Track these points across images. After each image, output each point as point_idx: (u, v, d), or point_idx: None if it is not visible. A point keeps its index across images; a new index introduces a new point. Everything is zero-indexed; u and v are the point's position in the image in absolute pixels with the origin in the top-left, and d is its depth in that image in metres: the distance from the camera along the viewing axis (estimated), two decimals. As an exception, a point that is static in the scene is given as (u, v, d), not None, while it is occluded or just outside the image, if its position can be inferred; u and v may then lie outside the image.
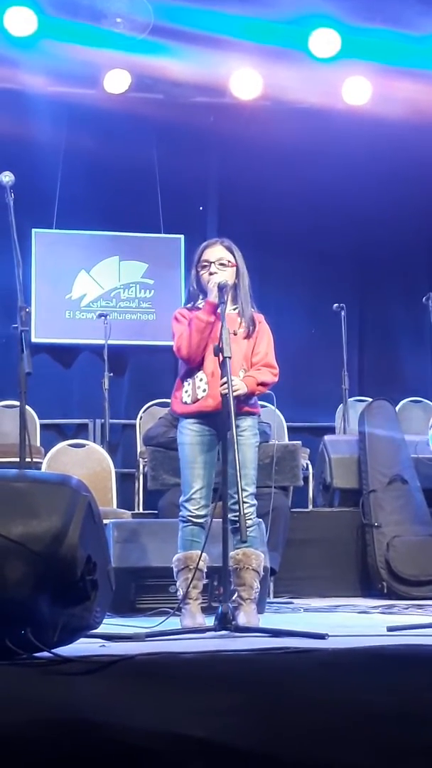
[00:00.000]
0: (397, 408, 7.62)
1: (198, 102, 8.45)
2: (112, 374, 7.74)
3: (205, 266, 4.53)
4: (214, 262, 4.51)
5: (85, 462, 6.96)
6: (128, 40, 7.57)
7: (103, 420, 7.72)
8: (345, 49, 7.81)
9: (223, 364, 4.17)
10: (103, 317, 7.94)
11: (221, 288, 4.39)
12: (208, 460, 4.50)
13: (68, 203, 8.49)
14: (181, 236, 8.80)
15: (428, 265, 9.16)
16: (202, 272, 4.54)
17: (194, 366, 4.52)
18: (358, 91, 8.21)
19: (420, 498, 6.93)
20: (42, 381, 8.11)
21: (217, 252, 4.55)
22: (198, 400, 4.48)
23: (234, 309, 4.55)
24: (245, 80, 8.13)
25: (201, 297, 4.56)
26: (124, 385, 8.58)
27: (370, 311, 9.16)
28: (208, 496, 4.49)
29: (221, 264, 4.51)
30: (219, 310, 4.36)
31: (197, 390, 4.49)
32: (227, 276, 4.50)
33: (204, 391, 4.47)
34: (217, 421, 4.38)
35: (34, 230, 8.53)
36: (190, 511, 4.46)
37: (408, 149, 8.36)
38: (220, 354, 4.17)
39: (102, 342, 7.81)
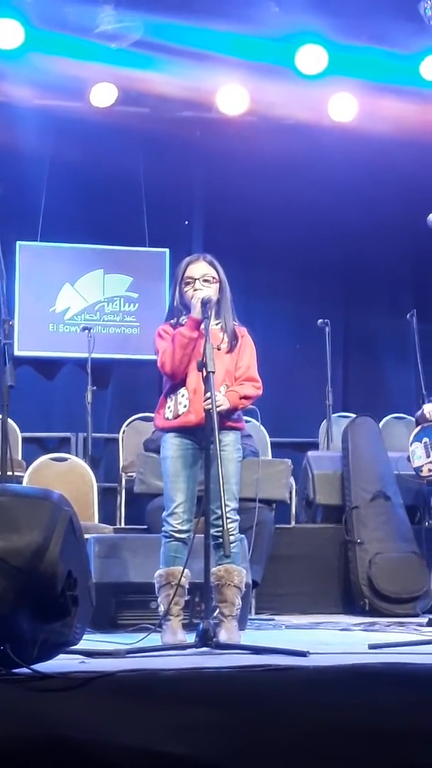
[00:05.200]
0: (380, 424, 7.62)
1: (184, 116, 8.46)
2: (95, 388, 7.72)
3: (188, 283, 4.53)
4: (198, 279, 4.51)
5: (67, 476, 6.92)
6: (115, 53, 7.58)
7: (85, 434, 7.69)
8: (332, 66, 7.83)
9: (206, 379, 4.16)
10: (86, 330, 7.92)
11: (205, 303, 4.39)
12: (190, 474, 4.49)
13: (53, 216, 8.48)
14: (167, 250, 8.80)
15: (413, 282, 9.18)
16: (186, 289, 4.54)
17: (177, 382, 4.51)
18: (344, 107, 8.24)
19: (402, 515, 6.93)
20: (24, 394, 8.06)
21: (200, 268, 4.54)
22: (179, 415, 4.47)
23: (217, 324, 4.55)
24: (232, 96, 8.15)
25: (184, 313, 4.55)
26: (107, 399, 8.55)
27: (355, 327, 9.17)
28: (190, 510, 4.47)
29: (205, 280, 4.51)
30: (203, 326, 4.35)
31: (179, 406, 4.48)
32: (212, 292, 4.49)
33: (185, 407, 4.46)
34: (199, 436, 4.37)
35: (18, 242, 8.51)
36: (172, 526, 4.44)
37: (393, 166, 8.39)
38: (204, 369, 4.16)
39: (85, 355, 7.79)
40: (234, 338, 4.56)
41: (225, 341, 4.54)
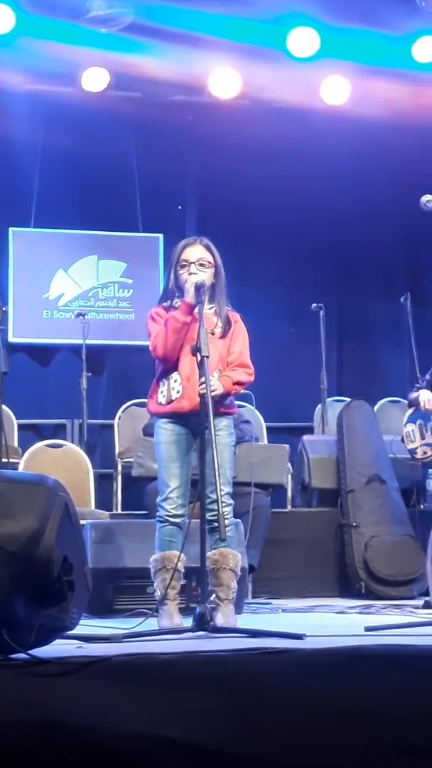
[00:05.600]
0: (375, 408, 7.63)
1: (177, 101, 8.43)
2: (90, 374, 7.70)
3: (184, 265, 4.52)
4: (194, 262, 4.50)
5: (62, 462, 6.92)
6: (107, 37, 7.54)
7: (81, 420, 7.69)
8: (324, 48, 7.80)
9: (201, 364, 4.16)
10: (81, 317, 7.90)
11: (198, 288, 4.38)
12: (184, 459, 4.49)
13: (46, 202, 8.45)
14: (160, 235, 8.78)
15: (406, 265, 9.17)
16: (181, 271, 4.53)
17: (170, 366, 4.50)
18: (336, 90, 8.21)
19: (398, 498, 6.95)
20: (19, 381, 8.06)
21: (196, 252, 4.53)
22: (172, 401, 4.47)
23: (210, 308, 4.54)
24: (224, 79, 8.11)
25: (177, 295, 4.54)
26: (102, 385, 8.54)
27: (349, 311, 9.16)
28: (184, 495, 4.48)
29: (200, 264, 4.50)
30: (196, 310, 4.35)
31: (171, 391, 4.48)
32: (206, 276, 4.49)
33: (178, 392, 4.46)
34: (192, 422, 4.38)
35: (11, 229, 8.48)
36: (167, 510, 4.45)
37: (386, 149, 8.36)
38: (198, 354, 4.15)
39: (80, 342, 7.78)
40: (227, 324, 4.56)
41: (219, 326, 4.54)
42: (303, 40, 7.76)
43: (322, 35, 7.75)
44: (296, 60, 7.84)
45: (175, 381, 4.49)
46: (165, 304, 4.59)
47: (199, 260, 4.50)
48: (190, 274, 4.48)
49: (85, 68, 7.89)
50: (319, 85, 8.20)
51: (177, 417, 4.49)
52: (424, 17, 7.69)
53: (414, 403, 6.36)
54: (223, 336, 4.54)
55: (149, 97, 8.27)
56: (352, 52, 7.92)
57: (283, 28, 7.75)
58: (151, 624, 4.29)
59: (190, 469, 4.49)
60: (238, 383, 4.54)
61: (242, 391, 4.72)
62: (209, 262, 4.52)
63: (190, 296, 4.41)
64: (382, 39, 7.85)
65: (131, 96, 8.27)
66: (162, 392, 4.52)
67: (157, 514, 4.49)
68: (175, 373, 4.50)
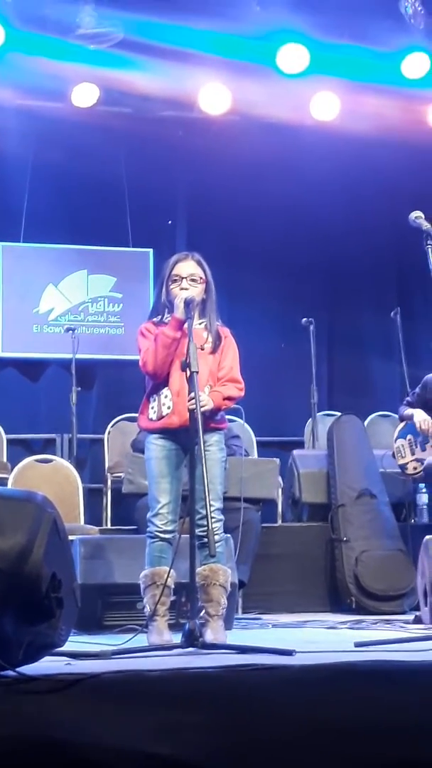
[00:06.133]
0: (365, 422, 7.64)
1: (167, 116, 8.45)
2: (80, 389, 7.70)
3: (175, 280, 4.52)
4: (185, 278, 4.50)
5: (52, 477, 6.91)
6: (96, 53, 7.56)
7: (70, 435, 7.68)
8: (313, 64, 7.84)
9: (190, 380, 4.16)
10: (70, 331, 7.90)
11: (188, 303, 4.39)
12: (175, 475, 4.49)
13: (36, 217, 8.46)
14: (150, 250, 8.79)
15: (396, 280, 9.20)
16: (172, 286, 4.53)
17: (160, 382, 4.50)
18: (326, 106, 8.24)
19: (388, 512, 6.94)
20: (9, 395, 8.08)
21: (188, 267, 4.54)
22: (163, 417, 4.47)
23: (201, 323, 4.54)
24: (214, 95, 8.14)
25: (168, 311, 4.54)
26: (92, 400, 8.54)
27: (339, 325, 9.18)
28: (175, 511, 4.47)
29: (192, 280, 4.51)
30: (186, 326, 4.35)
31: (162, 407, 4.48)
32: (196, 292, 4.49)
33: (168, 408, 4.45)
34: (182, 438, 4.37)
35: (1, 244, 8.49)
36: (157, 526, 4.44)
37: (376, 164, 8.40)
38: (188, 369, 4.15)
39: (70, 356, 7.78)
40: (217, 339, 4.56)
41: (209, 341, 4.54)
42: (292, 57, 7.79)
43: (312, 51, 7.78)
44: (286, 76, 7.87)
45: (166, 397, 4.49)
46: (155, 319, 4.59)
47: (191, 276, 4.51)
48: (181, 289, 4.48)
49: (74, 84, 7.91)
50: (309, 101, 8.23)
51: (167, 433, 4.48)
52: (413, 33, 7.73)
53: (405, 419, 6.37)
54: (214, 351, 4.55)
55: (139, 112, 8.29)
56: (341, 68, 7.95)
57: (273, 44, 7.78)
58: (140, 640, 4.28)
59: (181, 485, 4.48)
60: (229, 398, 4.53)
61: (233, 406, 4.72)
62: (201, 278, 4.52)
63: (179, 312, 4.41)
64: (372, 55, 7.89)
65: (121, 111, 8.28)
66: (153, 408, 4.52)
67: (148, 529, 4.48)
68: (166, 388, 4.49)
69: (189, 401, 4.16)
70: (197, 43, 7.59)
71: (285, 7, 7.44)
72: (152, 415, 4.51)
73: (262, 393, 7.80)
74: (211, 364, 4.51)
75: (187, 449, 4.32)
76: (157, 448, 4.50)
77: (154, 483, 4.50)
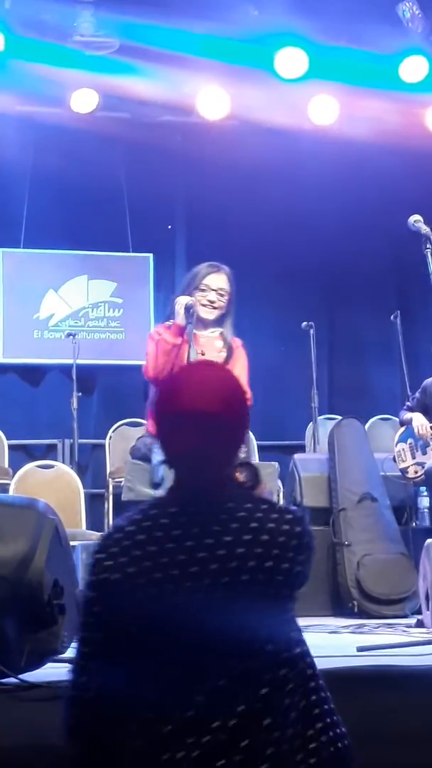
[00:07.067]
0: (366, 426, 7.63)
1: (165, 121, 8.46)
2: (80, 394, 7.70)
3: (203, 290, 4.57)
4: (214, 290, 4.56)
5: (53, 483, 6.91)
6: (95, 59, 7.57)
7: (71, 440, 7.68)
8: (312, 68, 7.83)
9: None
10: (71, 336, 7.91)
11: (188, 309, 4.40)
12: None
13: (36, 222, 8.47)
14: (150, 255, 8.80)
15: (396, 283, 9.20)
16: (198, 295, 4.56)
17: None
18: (324, 110, 8.24)
19: (390, 516, 6.93)
20: (10, 401, 8.08)
21: (219, 281, 4.62)
22: None
23: (214, 332, 4.59)
24: (212, 100, 8.14)
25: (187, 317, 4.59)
26: (92, 405, 8.54)
27: (339, 329, 9.18)
28: None
29: (220, 294, 4.57)
30: (186, 331, 4.36)
31: None
32: (221, 305, 4.54)
33: None
34: None
35: (1, 250, 8.50)
36: None
37: (375, 168, 8.40)
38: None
39: (70, 362, 7.78)
40: (231, 349, 4.62)
41: (224, 350, 4.59)
42: (290, 61, 7.79)
43: (310, 55, 7.78)
44: (284, 80, 7.87)
45: None
46: (168, 322, 4.62)
47: (220, 289, 4.60)
48: (209, 301, 4.51)
49: (73, 90, 7.91)
50: (307, 105, 8.23)
51: None
52: (411, 37, 7.73)
53: (405, 423, 6.37)
54: (226, 362, 4.60)
55: (138, 117, 8.30)
56: (339, 72, 7.95)
57: (271, 48, 7.78)
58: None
59: None
60: None
61: None
62: (228, 293, 4.59)
63: (180, 318, 4.43)
64: (370, 59, 7.88)
65: (120, 117, 8.29)
66: None
67: None
68: None
69: None
70: (195, 48, 7.59)
71: (283, 11, 7.43)
72: None
73: (263, 397, 7.75)
74: None
75: None
76: None
77: (165, 489, 4.50)
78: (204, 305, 4.59)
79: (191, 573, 2.07)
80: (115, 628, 2.10)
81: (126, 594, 2.10)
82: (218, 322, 4.59)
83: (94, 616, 2.16)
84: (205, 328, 4.70)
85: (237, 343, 4.66)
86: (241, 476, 2.23)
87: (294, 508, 2.33)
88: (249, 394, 4.59)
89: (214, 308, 4.62)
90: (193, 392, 2.16)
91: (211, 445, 2.16)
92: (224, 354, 4.57)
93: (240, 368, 4.62)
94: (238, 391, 2.26)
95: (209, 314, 4.64)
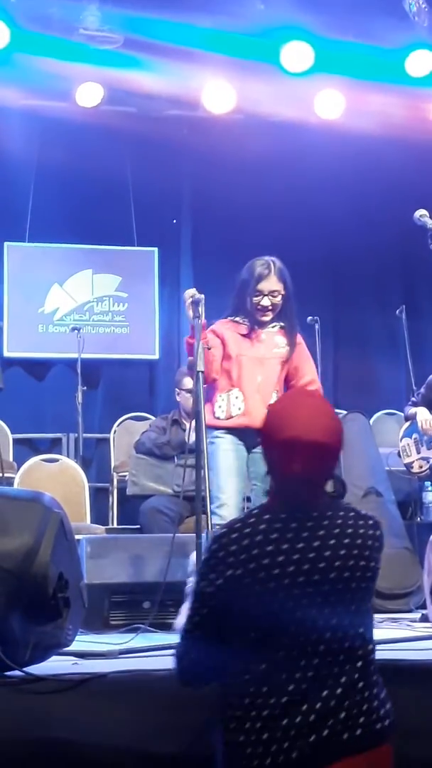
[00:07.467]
0: (371, 420, 7.62)
1: (171, 115, 8.44)
2: (85, 388, 7.70)
3: (257, 295, 4.63)
4: (267, 295, 4.61)
5: (58, 477, 6.92)
6: (100, 53, 7.56)
7: (76, 434, 7.68)
8: (318, 62, 7.82)
9: (196, 380, 4.19)
10: (76, 331, 7.90)
11: (196, 303, 4.42)
12: (241, 469, 4.55)
13: (41, 216, 8.46)
14: (155, 249, 8.79)
15: (401, 278, 9.18)
16: (255, 299, 4.66)
17: (210, 383, 4.60)
18: (330, 104, 8.22)
19: (394, 510, 6.93)
20: (15, 395, 8.06)
21: (270, 285, 4.69)
22: (232, 416, 4.55)
23: (274, 327, 4.63)
24: (218, 94, 8.12)
25: (243, 317, 4.69)
26: (97, 399, 8.53)
27: (344, 324, 9.17)
28: (239, 504, 4.51)
29: (273, 296, 4.63)
30: (194, 324, 4.39)
31: (232, 407, 4.57)
32: (276, 305, 4.60)
33: (240, 409, 4.58)
34: (249, 438, 4.51)
35: (6, 244, 8.48)
36: (223, 518, 4.33)
37: (381, 163, 8.38)
38: (194, 369, 4.21)
39: (75, 356, 7.78)
40: (293, 345, 4.68)
41: (284, 347, 4.62)
42: (297, 55, 7.77)
43: (316, 49, 7.77)
44: (290, 75, 7.85)
45: (237, 398, 4.58)
46: (233, 318, 4.70)
47: (272, 293, 4.64)
48: (262, 305, 4.61)
49: (79, 83, 7.90)
50: (313, 99, 8.21)
51: (234, 431, 4.56)
52: (417, 31, 7.71)
53: (410, 418, 6.37)
54: (287, 359, 4.65)
55: (143, 111, 8.28)
56: (345, 66, 7.93)
57: (277, 42, 7.76)
58: (144, 639, 4.27)
59: (245, 481, 4.56)
60: None
61: None
62: (281, 294, 4.64)
63: (190, 315, 4.47)
64: (376, 53, 7.86)
65: (126, 111, 8.27)
66: (220, 406, 4.62)
67: (213, 521, 4.32)
68: (236, 389, 4.58)
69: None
70: (201, 42, 7.57)
71: (289, 4, 7.41)
72: (220, 413, 4.60)
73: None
74: (279, 371, 4.61)
75: (249, 448, 4.52)
76: (224, 441, 4.59)
77: (221, 475, 4.53)
78: (259, 309, 4.68)
79: (304, 570, 2.55)
80: (229, 616, 2.52)
81: (246, 587, 2.51)
82: (279, 317, 4.68)
83: (209, 607, 2.56)
84: (265, 324, 4.78)
85: (299, 339, 4.77)
86: (330, 487, 2.77)
87: (370, 514, 2.90)
88: (319, 385, 4.70)
89: (269, 311, 4.70)
90: (305, 423, 2.60)
91: (321, 467, 2.69)
92: (286, 349, 4.65)
93: (310, 366, 4.79)
94: (338, 420, 2.73)
95: (266, 317, 4.74)
